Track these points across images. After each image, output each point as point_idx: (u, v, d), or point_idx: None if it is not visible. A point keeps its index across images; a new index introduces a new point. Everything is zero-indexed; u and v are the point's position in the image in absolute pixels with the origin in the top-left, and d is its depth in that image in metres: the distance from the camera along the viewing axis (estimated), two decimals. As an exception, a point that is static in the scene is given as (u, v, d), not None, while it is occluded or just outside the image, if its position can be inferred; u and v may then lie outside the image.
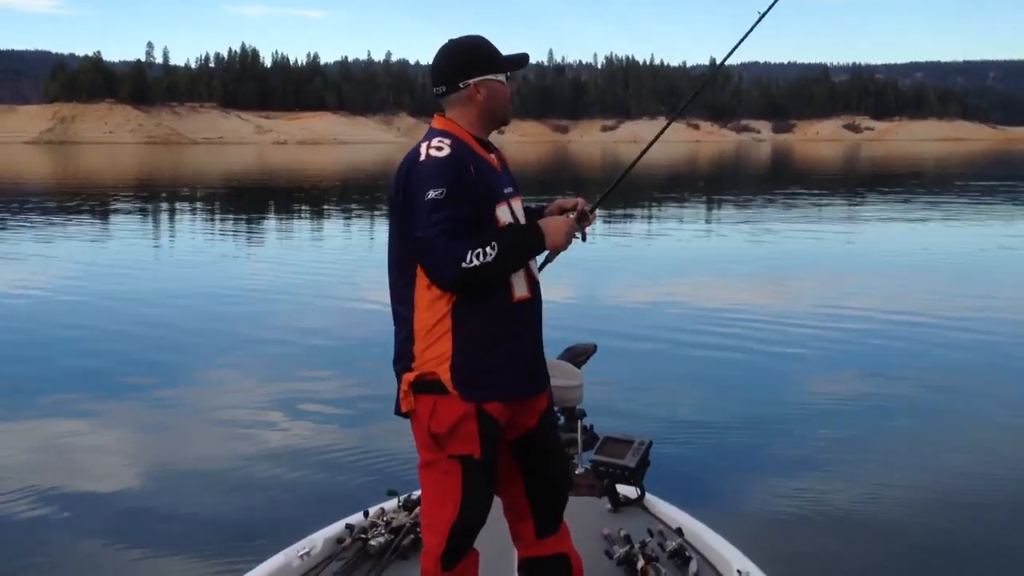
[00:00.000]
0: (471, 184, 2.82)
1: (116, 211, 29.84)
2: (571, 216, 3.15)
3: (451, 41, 3.02)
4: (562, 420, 4.04)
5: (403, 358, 2.93)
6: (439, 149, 2.83)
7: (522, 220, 3.03)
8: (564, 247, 3.03)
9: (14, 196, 37.10)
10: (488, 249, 2.76)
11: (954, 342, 10.47)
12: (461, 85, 2.95)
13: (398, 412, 2.96)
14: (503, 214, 2.93)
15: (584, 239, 3.23)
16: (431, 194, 2.77)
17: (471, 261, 2.74)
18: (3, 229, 23.51)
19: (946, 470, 6.54)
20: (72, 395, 8.39)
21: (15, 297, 13.44)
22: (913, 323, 11.42)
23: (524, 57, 3.09)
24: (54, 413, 7.92)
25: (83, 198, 35.24)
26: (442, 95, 3.00)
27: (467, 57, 2.97)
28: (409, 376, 2.89)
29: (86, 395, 8.40)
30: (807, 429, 7.43)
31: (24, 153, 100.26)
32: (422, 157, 2.83)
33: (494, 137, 3.13)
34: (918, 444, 7.11)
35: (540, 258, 3.16)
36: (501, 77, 2.98)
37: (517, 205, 3.03)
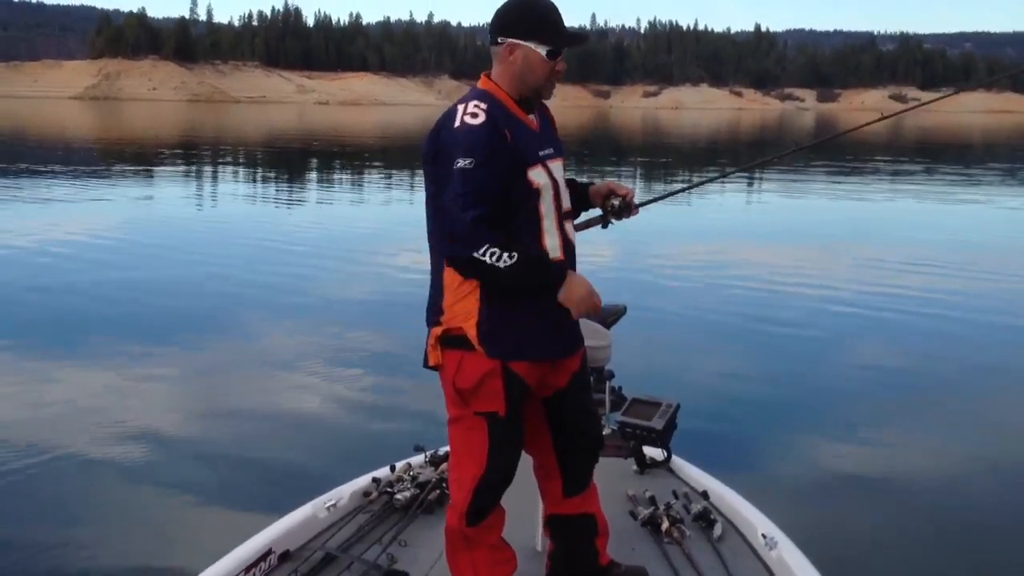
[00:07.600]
0: (504, 151, 2.79)
1: (167, 169, 30.10)
2: (614, 204, 3.16)
3: None
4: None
5: (432, 312, 2.94)
6: (474, 116, 2.79)
7: (561, 183, 2.99)
8: (575, 309, 2.86)
9: (63, 151, 37.51)
10: (506, 256, 2.71)
11: (1008, 319, 10.30)
12: (499, 41, 2.92)
13: (426, 365, 2.97)
14: (537, 176, 2.89)
15: (605, 227, 3.26)
16: (461, 163, 2.74)
17: (484, 254, 2.71)
18: (57, 183, 23.78)
19: (977, 447, 6.45)
20: (112, 345, 8.54)
21: (62, 246, 13.66)
22: (959, 297, 11.24)
23: (576, 37, 2.98)
24: (97, 362, 8.08)
25: (135, 154, 35.58)
26: (490, 45, 2.97)
27: (513, 16, 2.91)
28: (437, 330, 2.90)
29: (124, 346, 8.53)
30: (838, 399, 7.38)
31: (70, 108, 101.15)
32: (456, 123, 2.80)
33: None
34: (953, 420, 7.02)
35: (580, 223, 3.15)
36: (541, 49, 2.88)
37: (556, 167, 2.97)
